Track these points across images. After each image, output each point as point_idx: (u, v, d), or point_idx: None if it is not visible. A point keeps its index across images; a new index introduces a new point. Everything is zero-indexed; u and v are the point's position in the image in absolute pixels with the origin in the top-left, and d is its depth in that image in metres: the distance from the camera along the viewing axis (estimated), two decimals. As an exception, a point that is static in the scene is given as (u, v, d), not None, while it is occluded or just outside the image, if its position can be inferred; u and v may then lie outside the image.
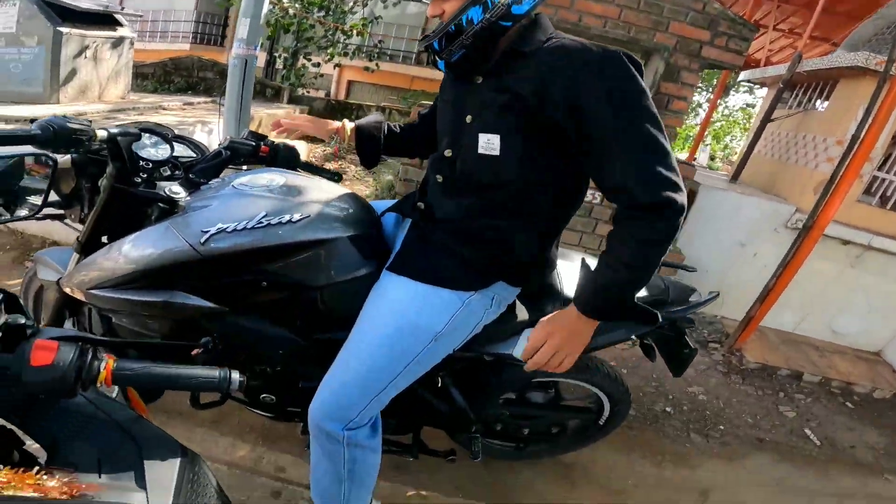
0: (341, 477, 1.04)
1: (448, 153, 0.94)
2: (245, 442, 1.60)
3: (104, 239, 1.08)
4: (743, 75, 5.63)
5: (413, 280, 0.97)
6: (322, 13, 6.50)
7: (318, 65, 6.69)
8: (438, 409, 1.24)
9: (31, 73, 3.10)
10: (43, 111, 3.05)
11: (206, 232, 0.92)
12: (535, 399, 1.43)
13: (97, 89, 3.58)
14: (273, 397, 1.19)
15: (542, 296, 1.11)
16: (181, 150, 1.27)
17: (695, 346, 1.12)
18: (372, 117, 1.23)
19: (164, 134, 1.21)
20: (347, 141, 1.22)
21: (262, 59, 9.45)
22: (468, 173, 0.93)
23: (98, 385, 0.47)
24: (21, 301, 0.58)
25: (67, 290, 1.08)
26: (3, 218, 1.03)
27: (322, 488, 1.10)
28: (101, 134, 1.01)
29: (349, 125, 1.20)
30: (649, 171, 0.76)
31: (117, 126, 1.05)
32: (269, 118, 4.54)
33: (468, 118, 0.90)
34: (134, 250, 0.96)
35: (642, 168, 0.76)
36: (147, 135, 1.16)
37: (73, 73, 3.23)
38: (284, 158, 1.29)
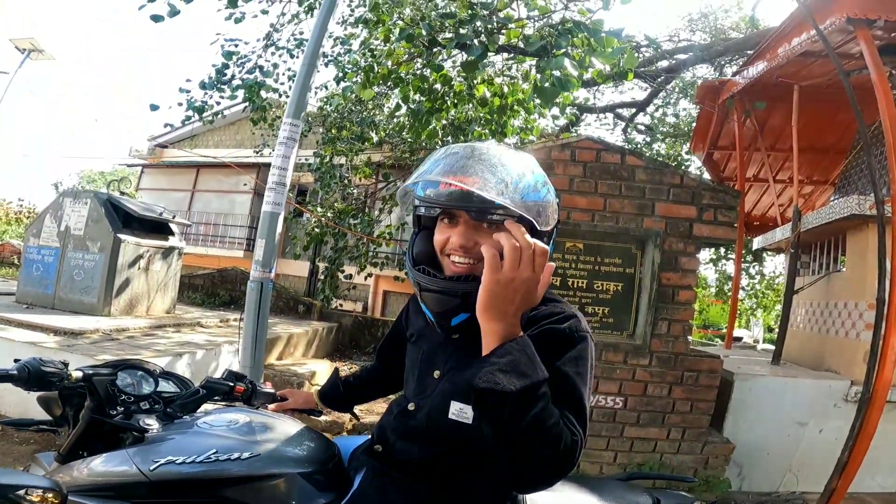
0: None
1: (412, 407, 0.97)
2: None
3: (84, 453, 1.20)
4: (757, 243, 5.53)
5: None
6: (355, 222, 6.66)
7: (351, 276, 6.86)
8: None
9: (91, 281, 3.49)
10: (94, 324, 3.45)
11: (156, 462, 1.03)
12: None
13: (146, 302, 3.95)
14: None
15: None
16: (167, 386, 1.46)
17: None
18: (331, 377, 1.41)
19: (149, 370, 1.40)
20: (319, 407, 1.41)
21: (305, 269, 10.00)
22: (432, 427, 0.94)
23: None
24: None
25: None
26: None
27: None
28: (77, 375, 1.20)
29: (315, 396, 1.42)
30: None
31: (91, 367, 1.25)
32: (296, 338, 4.91)
33: (436, 373, 0.94)
34: (99, 467, 1.09)
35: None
36: (131, 371, 1.36)
37: (126, 283, 3.62)
38: (260, 398, 1.43)
